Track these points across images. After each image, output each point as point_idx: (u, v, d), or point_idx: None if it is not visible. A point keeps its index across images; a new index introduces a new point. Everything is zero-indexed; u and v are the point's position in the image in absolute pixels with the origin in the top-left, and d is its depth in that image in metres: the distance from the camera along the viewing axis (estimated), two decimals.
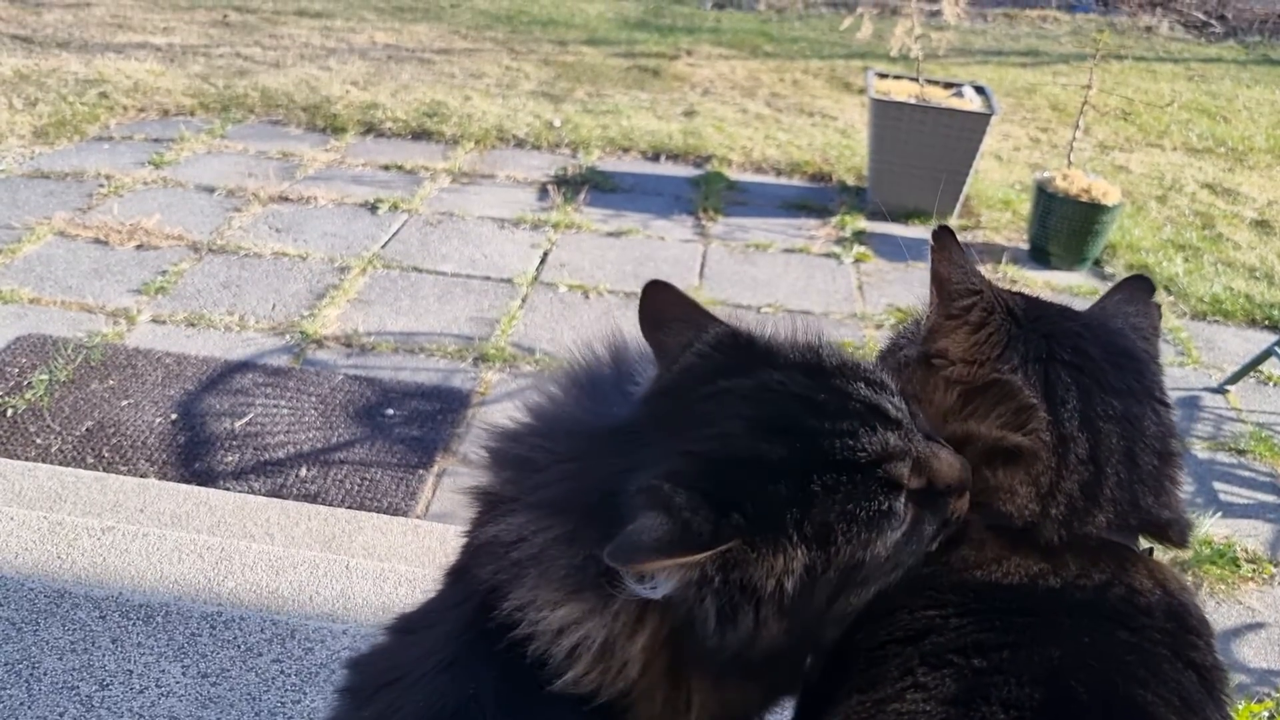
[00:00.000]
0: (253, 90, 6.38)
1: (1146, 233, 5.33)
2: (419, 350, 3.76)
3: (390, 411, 3.40)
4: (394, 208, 4.92)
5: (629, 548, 0.77)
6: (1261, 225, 5.66)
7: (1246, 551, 3.10)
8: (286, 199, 4.95)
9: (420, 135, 5.96)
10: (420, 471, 3.13)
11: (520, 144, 5.95)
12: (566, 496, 0.89)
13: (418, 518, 2.96)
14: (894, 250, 4.97)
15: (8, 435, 3.13)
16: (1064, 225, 4.84)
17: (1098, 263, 4.99)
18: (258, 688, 1.62)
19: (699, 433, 0.87)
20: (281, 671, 1.66)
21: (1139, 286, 1.18)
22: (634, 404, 0.95)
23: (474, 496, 0.98)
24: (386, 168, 5.46)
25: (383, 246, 4.55)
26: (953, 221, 5.33)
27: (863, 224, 5.24)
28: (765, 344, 0.95)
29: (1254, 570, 3.03)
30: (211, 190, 4.99)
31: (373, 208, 4.91)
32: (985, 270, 4.87)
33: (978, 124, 5.17)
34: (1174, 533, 1.01)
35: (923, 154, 5.22)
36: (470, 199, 5.13)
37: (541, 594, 0.86)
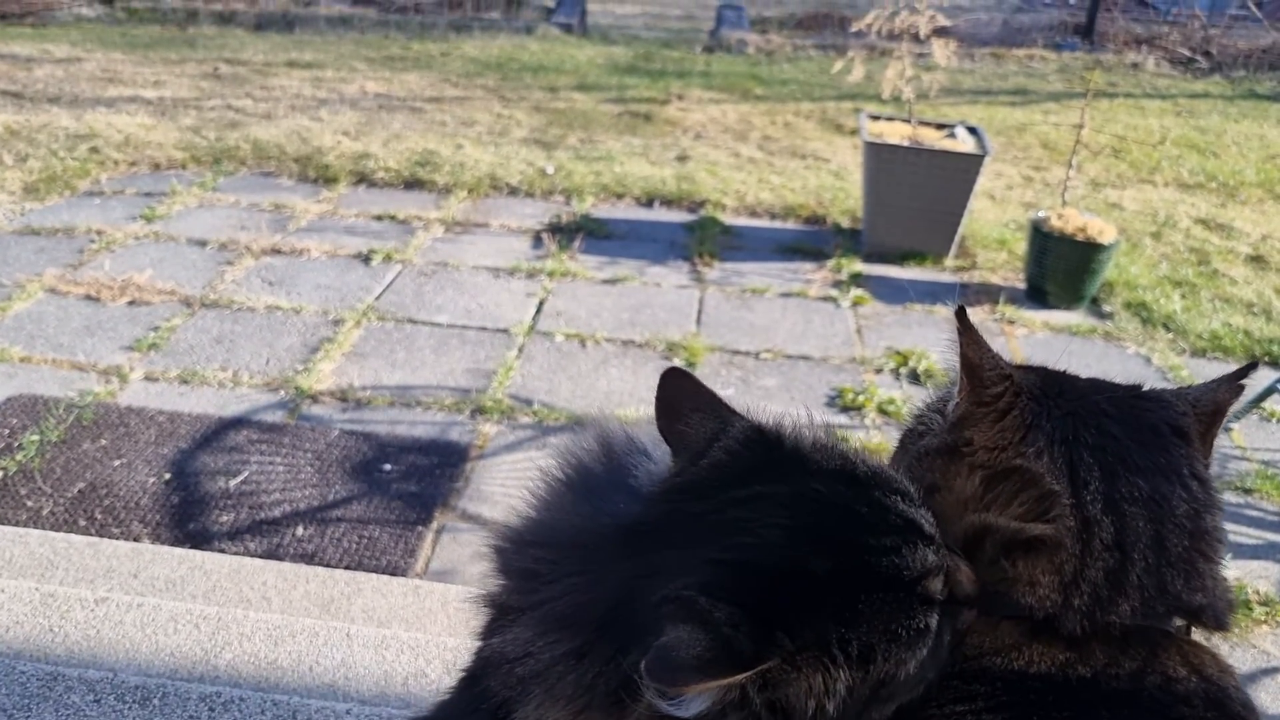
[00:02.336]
0: (244, 142, 6.37)
1: (1143, 270, 5.33)
2: (415, 404, 3.72)
3: (387, 467, 3.34)
4: (387, 258, 4.89)
5: (669, 665, 0.72)
6: (1257, 260, 5.66)
7: (1258, 594, 3.06)
8: (279, 251, 4.92)
9: (413, 184, 5.94)
10: (419, 528, 3.07)
11: (513, 192, 5.94)
12: (575, 609, 0.83)
13: (418, 576, 2.90)
14: (891, 292, 4.95)
15: None
16: (1060, 264, 4.82)
17: (1095, 301, 4.97)
18: None
19: (732, 540, 0.82)
20: None
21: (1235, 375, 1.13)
22: (644, 500, 0.89)
23: (481, 603, 0.93)
24: (379, 218, 5.44)
25: (377, 298, 4.52)
26: (948, 262, 5.32)
27: (859, 266, 5.22)
28: (795, 444, 0.90)
29: (1266, 613, 2.98)
30: (203, 244, 4.96)
31: (366, 259, 4.88)
32: (983, 310, 4.88)
33: (971, 165, 5.17)
34: (1208, 617, 0.97)
35: (917, 195, 5.22)
36: (464, 248, 5.11)
37: (547, 713, 0.81)
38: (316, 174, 5.98)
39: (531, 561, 0.90)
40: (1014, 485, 0.94)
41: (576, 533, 0.90)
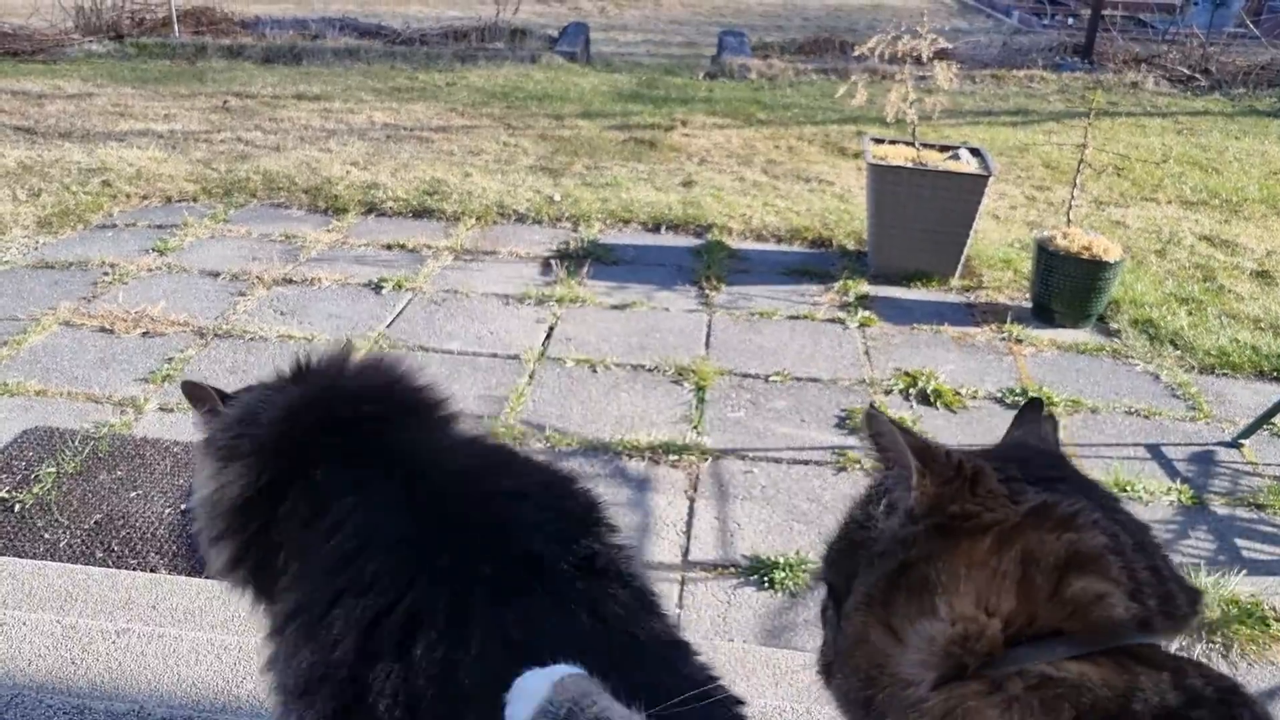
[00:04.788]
0: (254, 174, 6.43)
1: (1149, 287, 5.35)
2: None
3: None
4: (398, 287, 4.94)
5: None
6: (1262, 276, 5.68)
7: (1275, 610, 3.05)
8: (290, 281, 4.97)
9: (421, 213, 6.00)
10: None
11: (521, 219, 5.99)
12: None
13: None
14: (898, 314, 4.97)
15: (16, 531, 3.10)
16: (1066, 283, 4.85)
17: (1102, 319, 4.99)
18: None
19: None
20: None
21: (1032, 408, 1.18)
22: None
23: None
24: (389, 247, 5.48)
25: (388, 326, 4.55)
26: (954, 282, 5.35)
27: (865, 288, 5.25)
28: None
29: None
30: (216, 275, 5.01)
31: (377, 287, 4.92)
32: (990, 330, 4.89)
33: (976, 185, 5.21)
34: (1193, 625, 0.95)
35: (922, 217, 5.26)
36: (474, 276, 5.15)
37: None
38: (326, 204, 6.04)
39: None
40: (1034, 521, 0.92)
41: None
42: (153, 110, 8.04)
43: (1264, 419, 4.00)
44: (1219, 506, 3.60)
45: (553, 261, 5.35)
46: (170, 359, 4.18)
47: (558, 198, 6.27)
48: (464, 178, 6.56)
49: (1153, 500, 3.57)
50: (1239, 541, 3.41)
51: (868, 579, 0.93)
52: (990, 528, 0.90)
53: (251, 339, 4.38)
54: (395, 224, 5.85)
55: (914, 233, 5.31)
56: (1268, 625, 2.98)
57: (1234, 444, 4.01)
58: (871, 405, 0.94)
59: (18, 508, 3.19)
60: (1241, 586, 3.13)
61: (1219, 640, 2.94)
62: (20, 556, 2.93)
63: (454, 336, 4.50)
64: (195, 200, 6.07)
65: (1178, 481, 3.71)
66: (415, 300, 4.83)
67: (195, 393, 1.67)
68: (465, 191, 6.26)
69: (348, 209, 5.98)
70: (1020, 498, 0.92)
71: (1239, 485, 3.75)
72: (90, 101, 8.27)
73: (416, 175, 6.56)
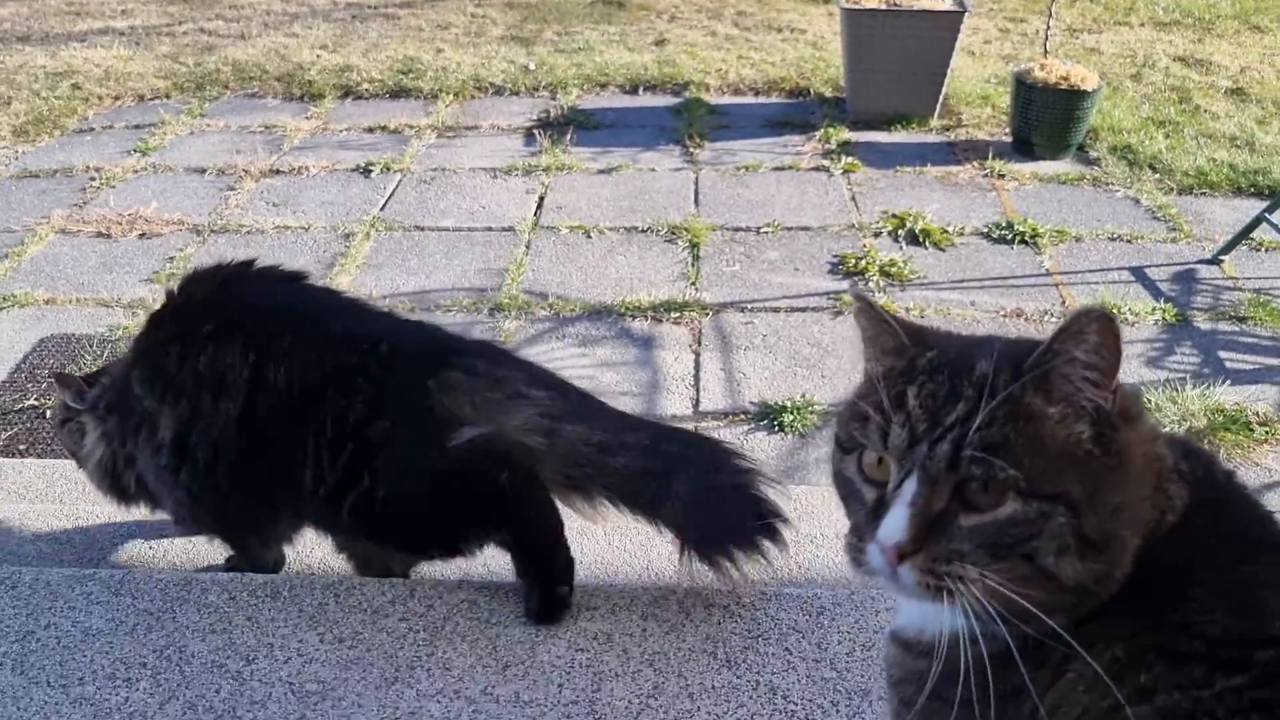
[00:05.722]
0: (224, 65, 6.36)
1: (1126, 113, 5.41)
2: (435, 307, 3.84)
3: None
4: (386, 169, 4.96)
5: None
6: (1237, 93, 5.73)
7: (1258, 415, 3.22)
8: (278, 172, 4.99)
9: (398, 93, 5.97)
10: None
11: (499, 91, 5.97)
12: None
13: None
14: (881, 157, 5.04)
15: (51, 436, 3.22)
16: (1045, 115, 4.90)
17: (1081, 148, 5.06)
18: (391, 645, 1.74)
19: None
20: (410, 629, 1.78)
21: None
22: None
23: None
24: (371, 130, 5.48)
25: (381, 209, 4.60)
26: (934, 122, 5.40)
27: (846, 134, 5.30)
28: None
29: (1267, 433, 3.15)
30: (202, 171, 5.02)
31: (365, 171, 4.95)
32: (972, 167, 4.96)
33: (951, 23, 5.21)
34: None
35: (898, 59, 5.27)
36: (459, 152, 5.17)
37: None
38: (301, 91, 6.00)
39: None
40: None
41: None
42: (109, 6, 7.85)
43: (1242, 234, 4.13)
44: (1202, 322, 3.75)
45: (535, 131, 5.37)
46: (171, 258, 4.24)
47: (533, 67, 6.24)
48: (436, 53, 6.49)
49: (1138, 321, 3.72)
50: (1222, 354, 3.57)
51: None
52: None
53: (249, 232, 4.44)
54: (374, 106, 5.83)
55: (891, 75, 5.33)
56: (1251, 430, 3.16)
57: (1214, 261, 4.14)
58: (859, 291, 1.02)
59: (49, 414, 3.29)
60: (1226, 396, 3.30)
61: (1207, 447, 3.12)
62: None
63: (447, 214, 4.55)
64: (168, 97, 6.01)
65: (1162, 301, 3.85)
66: (405, 181, 4.86)
67: (64, 381, 2.21)
68: (439, 68, 6.22)
69: (324, 94, 5.94)
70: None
71: (1220, 300, 3.90)
72: (43, 2, 8.07)
73: (388, 54, 6.49)
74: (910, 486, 0.87)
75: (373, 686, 1.64)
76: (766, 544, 1.79)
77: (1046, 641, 0.86)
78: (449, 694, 1.63)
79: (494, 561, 2.13)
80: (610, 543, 2.34)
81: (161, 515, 2.18)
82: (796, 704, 1.64)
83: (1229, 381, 3.37)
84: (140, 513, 2.25)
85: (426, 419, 1.75)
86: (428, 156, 5.14)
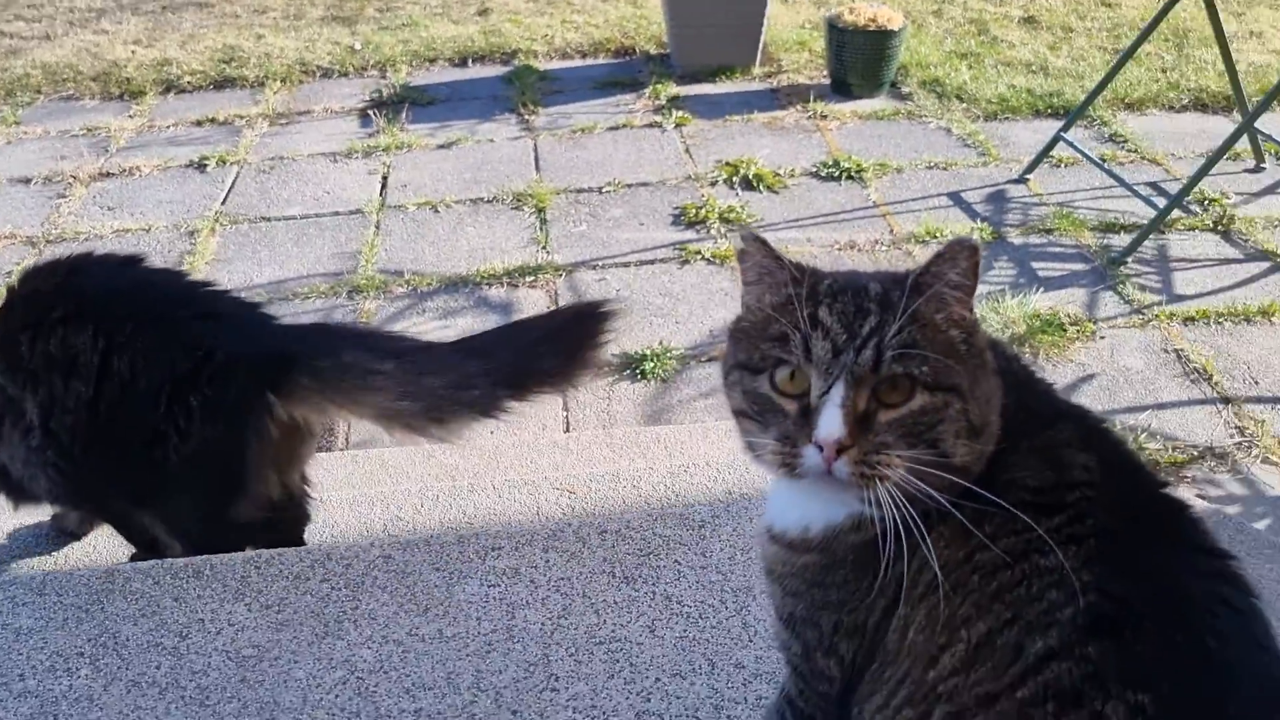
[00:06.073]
0: (32, 69, 6.12)
1: (931, 49, 5.76)
2: (293, 296, 3.88)
3: None
4: (221, 162, 4.91)
5: None
6: (1029, 22, 6.16)
7: (1070, 316, 3.57)
8: (109, 174, 4.88)
9: (223, 84, 5.87)
10: None
11: (327, 74, 5.94)
12: None
13: (340, 450, 3.15)
14: (710, 109, 5.25)
15: None
16: (858, 56, 5.19)
17: (894, 85, 5.38)
18: (317, 605, 1.85)
19: None
20: (332, 588, 1.90)
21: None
22: None
23: None
24: (199, 123, 5.40)
25: (223, 203, 4.58)
26: (756, 71, 5.64)
27: (675, 89, 5.49)
28: None
29: (1078, 331, 3.50)
30: (27, 181, 4.87)
31: (200, 166, 4.89)
32: (796, 111, 5.22)
33: None
34: None
35: (716, 11, 5.49)
36: (295, 139, 5.16)
37: None
38: (120, 89, 5.83)
39: None
40: None
41: None
42: None
43: (1043, 153, 4.50)
44: (1015, 237, 4.10)
45: (370, 112, 5.39)
46: (8, 273, 4.13)
47: (359, 46, 6.22)
48: (257, 40, 6.40)
49: None
50: (1034, 264, 3.92)
51: None
52: None
53: (87, 239, 4.35)
54: (199, 99, 5.72)
55: (711, 28, 5.54)
56: (1064, 330, 3.50)
57: (1021, 180, 4.50)
58: (749, 232, 1.18)
59: None
60: (1041, 302, 3.63)
61: (1027, 350, 3.43)
62: None
63: (292, 202, 4.56)
64: None
65: (978, 221, 4.19)
66: (243, 173, 4.83)
67: None
68: (262, 54, 6.13)
69: (144, 91, 5.80)
70: None
71: (1029, 216, 4.25)
72: None
73: (207, 45, 6.36)
74: (839, 390, 1.01)
75: (305, 644, 1.76)
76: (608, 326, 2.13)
77: (917, 520, 1.03)
78: (378, 640, 1.77)
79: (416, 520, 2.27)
80: (500, 496, 2.49)
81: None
82: (690, 606, 1.83)
83: (1042, 289, 3.71)
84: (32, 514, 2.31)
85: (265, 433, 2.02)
86: (263, 146, 5.10)
